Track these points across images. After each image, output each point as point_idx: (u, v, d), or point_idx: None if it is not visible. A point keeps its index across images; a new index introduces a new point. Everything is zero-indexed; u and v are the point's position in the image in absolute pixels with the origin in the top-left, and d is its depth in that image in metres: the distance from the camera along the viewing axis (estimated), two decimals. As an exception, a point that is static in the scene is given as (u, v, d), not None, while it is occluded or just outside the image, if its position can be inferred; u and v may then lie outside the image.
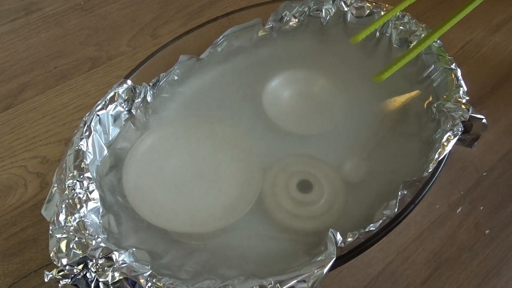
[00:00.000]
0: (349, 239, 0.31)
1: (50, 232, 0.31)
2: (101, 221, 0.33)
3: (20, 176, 0.42)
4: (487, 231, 0.39)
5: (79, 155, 0.34)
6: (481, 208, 0.40)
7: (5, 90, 0.49)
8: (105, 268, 0.28)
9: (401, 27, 0.44)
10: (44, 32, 0.54)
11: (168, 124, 0.41)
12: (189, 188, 0.37)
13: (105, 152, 0.37)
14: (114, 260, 0.29)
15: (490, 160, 0.43)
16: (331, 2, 0.46)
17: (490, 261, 0.37)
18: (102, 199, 0.34)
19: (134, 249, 0.31)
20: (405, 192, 0.33)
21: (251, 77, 0.45)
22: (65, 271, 0.28)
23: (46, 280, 0.28)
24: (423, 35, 0.43)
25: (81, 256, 0.29)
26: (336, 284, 0.36)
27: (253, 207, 0.36)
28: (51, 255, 0.30)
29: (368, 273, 0.36)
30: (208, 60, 0.44)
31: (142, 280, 0.28)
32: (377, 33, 0.45)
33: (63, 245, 0.30)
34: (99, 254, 0.29)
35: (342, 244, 0.30)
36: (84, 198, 0.32)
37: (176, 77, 0.43)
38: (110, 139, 0.38)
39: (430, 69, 0.42)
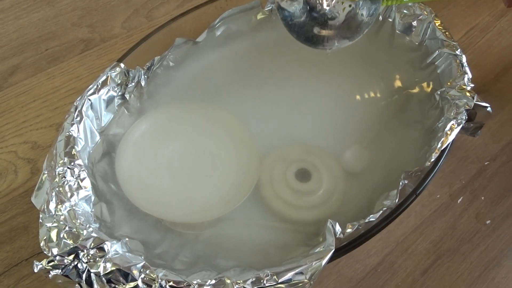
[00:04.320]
0: (348, 230, 0.30)
1: (40, 220, 0.30)
2: (93, 210, 0.32)
3: (10, 162, 0.41)
4: (488, 222, 0.38)
5: (70, 141, 0.33)
6: (483, 198, 0.39)
7: (-6, 72, 0.47)
8: (97, 259, 0.27)
9: (405, 11, 0.43)
10: (35, 12, 0.52)
11: (162, 110, 0.40)
12: (185, 175, 0.36)
13: (97, 138, 0.36)
14: (106, 250, 0.28)
15: (492, 149, 0.42)
16: (332, -17, 0.44)
17: (490, 252, 0.37)
18: (94, 187, 0.33)
19: (127, 239, 0.30)
20: (406, 182, 0.33)
21: (250, 61, 0.44)
22: (56, 262, 0.28)
23: (35, 270, 0.28)
24: (427, 19, 0.41)
25: (71, 246, 0.28)
26: (334, 275, 0.35)
27: (250, 196, 0.35)
28: (41, 244, 0.29)
29: (367, 263, 0.36)
30: (205, 43, 0.42)
31: (135, 271, 0.27)
32: (380, 17, 0.44)
33: (53, 235, 0.29)
34: (91, 244, 0.28)
35: (341, 235, 0.30)
36: (75, 186, 0.31)
37: (171, 61, 0.42)
38: (103, 124, 0.37)
39: (434, 55, 0.40)
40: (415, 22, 0.42)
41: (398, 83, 0.42)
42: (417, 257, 0.36)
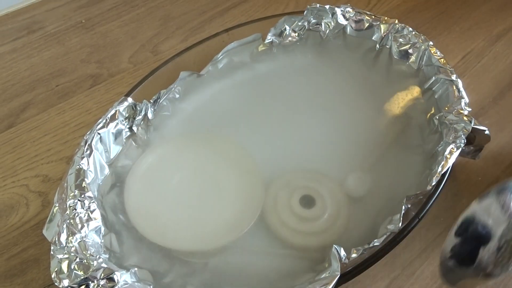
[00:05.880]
0: (353, 255, 0.30)
1: (52, 252, 0.31)
2: (102, 241, 0.32)
3: (22, 195, 0.42)
4: (493, 244, 0.38)
5: (80, 174, 0.34)
6: (487, 220, 0.40)
7: (7, 109, 0.49)
8: (107, 290, 0.28)
9: (400, 40, 0.45)
10: (46, 51, 0.55)
11: (169, 141, 0.41)
12: (191, 205, 0.37)
13: (106, 170, 0.37)
14: (116, 280, 0.29)
15: (494, 171, 0.43)
16: (330, 16, 0.46)
17: (497, 274, 0.37)
18: (104, 218, 0.34)
19: (136, 269, 0.31)
20: (409, 206, 0.33)
21: (252, 91, 0.45)
22: (67, 293, 0.28)
23: (47, 302, 0.28)
24: (423, 47, 0.43)
25: (82, 277, 0.29)
26: (341, 301, 0.35)
27: (255, 223, 0.35)
28: (52, 276, 0.29)
29: (374, 288, 0.36)
30: (209, 76, 0.44)
31: (144, 301, 0.28)
32: (377, 46, 0.46)
33: (64, 266, 0.30)
34: (101, 275, 0.29)
35: (346, 260, 0.30)
36: (85, 218, 0.32)
37: (176, 94, 0.43)
38: (111, 157, 0.38)
39: (431, 81, 0.42)
40: (411, 49, 0.44)
41: (397, 109, 0.43)
42: (424, 281, 0.36)
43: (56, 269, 0.30)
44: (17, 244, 0.39)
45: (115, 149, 0.38)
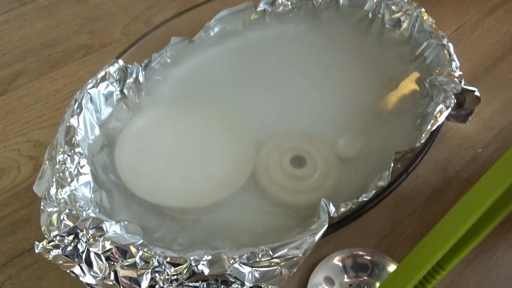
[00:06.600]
0: (342, 209, 0.30)
1: (42, 207, 0.31)
2: (92, 196, 0.32)
3: (14, 159, 0.42)
4: (483, 206, 0.38)
5: (70, 131, 0.34)
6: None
7: (-1, 77, 0.49)
8: (96, 238, 0.28)
9: (393, 7, 0.45)
10: (38, 22, 0.54)
11: (160, 105, 0.41)
12: (183, 165, 0.37)
13: (97, 131, 0.37)
14: (105, 230, 0.29)
15: (485, 137, 0.43)
16: (323, -16, 0.46)
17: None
18: (94, 176, 0.34)
19: (126, 222, 0.31)
20: (399, 166, 0.33)
21: (243, 59, 0.45)
22: (56, 241, 0.28)
23: (37, 251, 0.28)
24: (415, 13, 0.43)
25: (71, 226, 0.29)
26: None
27: (247, 182, 0.36)
28: (42, 229, 0.30)
29: (364, 246, 0.36)
30: (201, 42, 0.44)
31: (133, 249, 0.28)
32: (370, 14, 0.46)
33: (54, 218, 0.30)
34: (90, 224, 0.29)
35: (335, 214, 0.30)
36: (75, 172, 0.32)
37: (168, 59, 0.43)
38: (102, 118, 0.38)
39: (423, 47, 0.42)
40: (403, 17, 0.44)
41: (389, 75, 0.43)
42: (413, 240, 0.36)
43: (46, 222, 0.30)
44: (8, 205, 0.39)
45: (106, 111, 0.38)
